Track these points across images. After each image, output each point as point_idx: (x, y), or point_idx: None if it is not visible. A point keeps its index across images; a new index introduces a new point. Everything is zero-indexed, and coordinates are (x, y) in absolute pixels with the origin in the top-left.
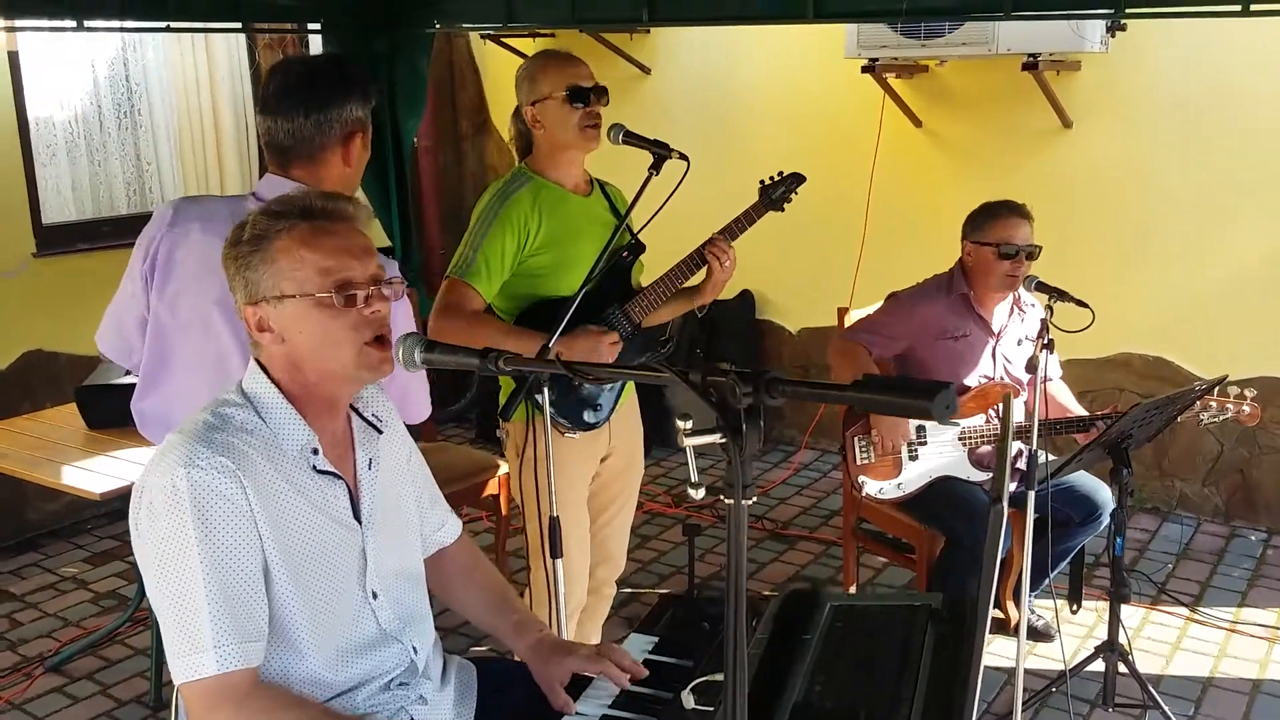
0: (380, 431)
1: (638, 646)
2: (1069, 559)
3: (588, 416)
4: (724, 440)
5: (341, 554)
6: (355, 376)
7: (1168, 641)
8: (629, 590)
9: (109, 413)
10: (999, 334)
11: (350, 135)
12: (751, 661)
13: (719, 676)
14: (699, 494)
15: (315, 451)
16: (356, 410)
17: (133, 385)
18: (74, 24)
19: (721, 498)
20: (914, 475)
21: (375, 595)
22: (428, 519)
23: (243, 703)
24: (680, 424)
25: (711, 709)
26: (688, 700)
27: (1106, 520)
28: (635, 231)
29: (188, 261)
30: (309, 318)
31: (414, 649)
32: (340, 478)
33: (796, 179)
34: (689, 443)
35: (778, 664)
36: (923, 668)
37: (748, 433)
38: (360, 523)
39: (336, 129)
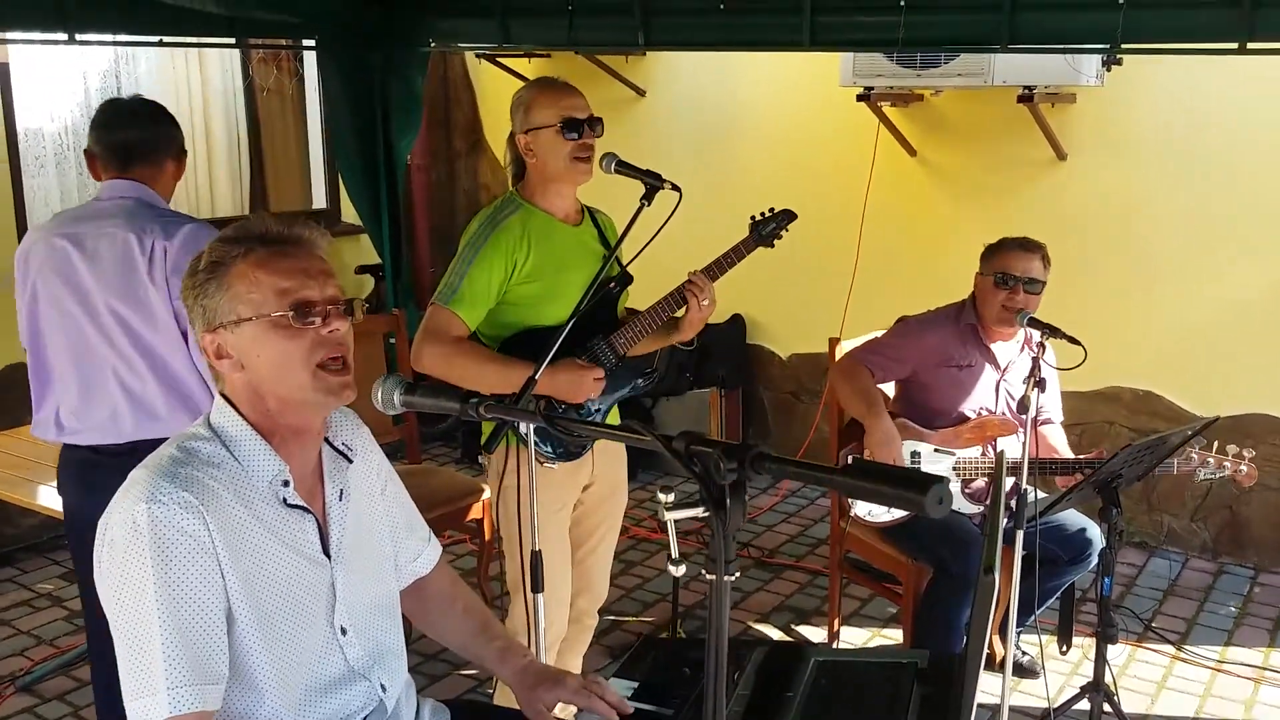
0: (350, 460)
1: (618, 691)
2: (1055, 596)
3: (570, 447)
4: (706, 514)
5: (309, 591)
6: (313, 400)
7: (1153, 680)
8: (612, 618)
9: None
10: (1005, 369)
11: (181, 153)
12: (732, 719)
13: None
14: (679, 571)
15: (286, 484)
16: (327, 439)
17: None
18: (66, 37)
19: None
20: None
21: (344, 631)
22: (404, 548)
23: None
24: (662, 497)
25: None
26: None
27: (1095, 560)
28: (624, 263)
29: (36, 259)
30: (266, 340)
31: (382, 686)
32: (310, 512)
33: (788, 216)
34: (669, 517)
35: None
36: None
37: (731, 508)
38: (330, 557)
39: (175, 144)
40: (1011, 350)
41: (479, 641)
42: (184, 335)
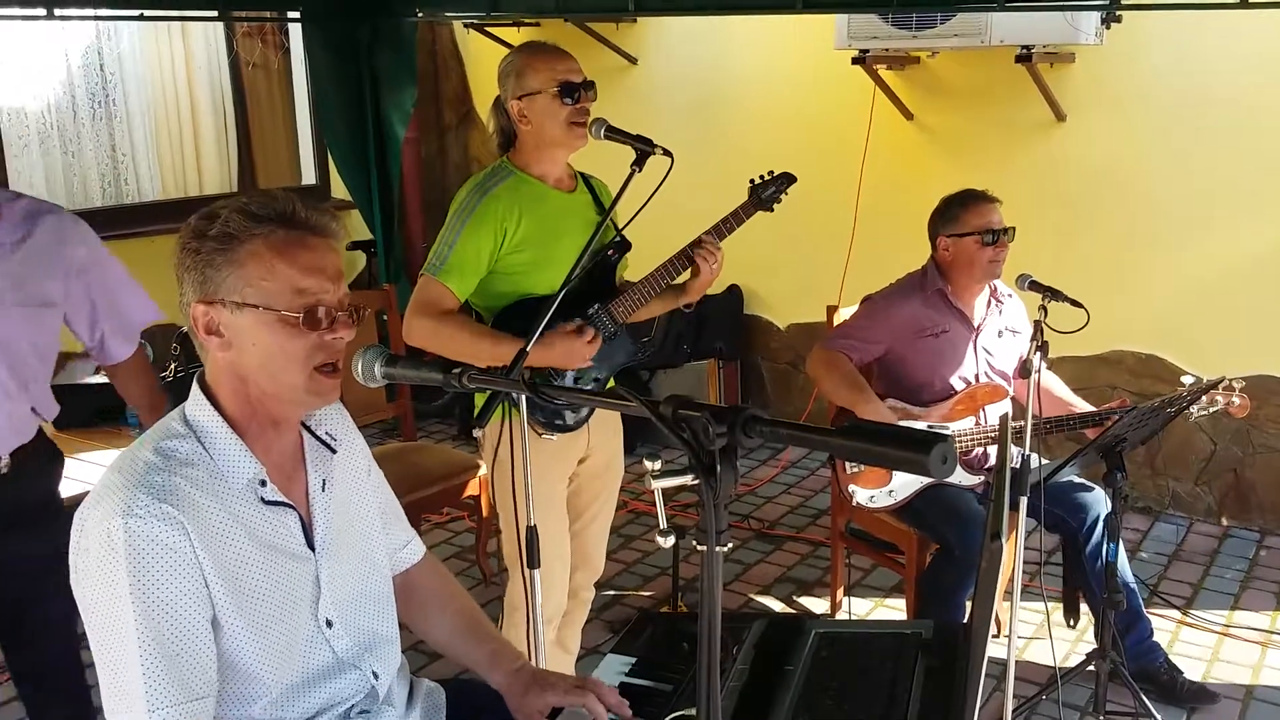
0: (334, 451)
1: (614, 668)
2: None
3: (567, 418)
4: (696, 482)
5: (293, 586)
6: (301, 401)
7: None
8: (612, 592)
9: (76, 412)
10: (978, 328)
11: None
12: (731, 694)
13: (693, 712)
14: (667, 542)
15: (264, 483)
16: (308, 428)
17: (101, 384)
18: (44, 12)
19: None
20: (905, 481)
21: (329, 624)
22: (392, 535)
23: None
24: (648, 464)
25: None
26: None
27: (1099, 515)
28: (620, 228)
29: None
30: (266, 332)
31: (374, 674)
32: (291, 506)
33: (787, 179)
34: (657, 485)
35: (759, 697)
36: (913, 701)
37: (722, 475)
38: (314, 550)
39: None
40: (980, 308)
41: (469, 643)
42: None
